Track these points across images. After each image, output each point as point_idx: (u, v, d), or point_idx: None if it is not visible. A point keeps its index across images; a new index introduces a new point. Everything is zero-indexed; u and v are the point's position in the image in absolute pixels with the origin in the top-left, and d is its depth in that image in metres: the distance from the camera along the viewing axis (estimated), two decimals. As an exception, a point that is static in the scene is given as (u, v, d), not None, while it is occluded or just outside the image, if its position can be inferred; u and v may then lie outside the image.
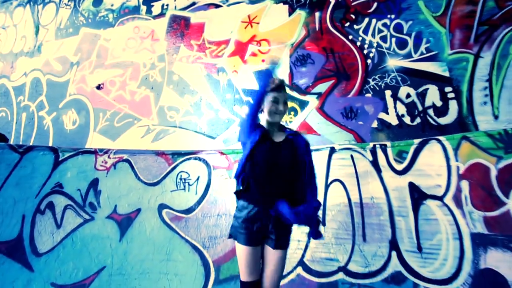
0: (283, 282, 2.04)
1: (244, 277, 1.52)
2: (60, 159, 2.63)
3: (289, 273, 2.10)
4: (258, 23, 3.32)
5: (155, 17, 3.81)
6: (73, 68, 4.05)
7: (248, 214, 1.54)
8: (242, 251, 1.53)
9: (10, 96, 4.35)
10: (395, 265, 2.01)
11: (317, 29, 3.09)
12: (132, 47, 3.83)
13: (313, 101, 2.97)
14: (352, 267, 2.06)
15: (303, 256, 2.18)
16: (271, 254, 1.54)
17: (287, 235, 1.61)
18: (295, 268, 2.11)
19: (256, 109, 1.61)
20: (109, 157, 2.78)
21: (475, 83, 2.60)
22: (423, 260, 1.99)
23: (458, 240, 1.99)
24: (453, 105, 2.62)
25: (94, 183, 2.65)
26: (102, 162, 2.75)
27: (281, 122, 1.76)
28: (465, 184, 2.15)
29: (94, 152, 2.78)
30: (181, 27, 3.65)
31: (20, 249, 2.16)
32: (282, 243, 1.56)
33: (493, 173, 2.09)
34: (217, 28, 3.47)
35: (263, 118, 1.70)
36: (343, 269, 2.07)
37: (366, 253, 2.12)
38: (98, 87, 3.87)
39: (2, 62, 4.52)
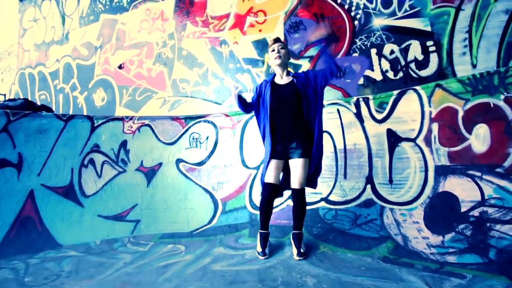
0: (275, 210, 2.51)
1: (266, 179, 2.02)
2: (95, 125, 3.21)
3: (280, 204, 2.57)
4: (254, -5, 3.60)
5: (163, -2, 4.19)
6: (97, 52, 4.60)
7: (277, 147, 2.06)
8: (270, 163, 2.02)
9: (47, 81, 5.03)
10: (368, 194, 2.40)
11: (308, -4, 3.33)
12: (146, 28, 4.28)
13: (305, 64, 3.29)
14: (332, 197, 2.48)
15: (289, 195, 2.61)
16: (296, 162, 2.02)
17: (304, 148, 2.05)
18: (285, 200, 2.57)
19: (242, 106, 2.19)
20: (133, 122, 3.33)
21: (456, 35, 2.77)
22: (391, 189, 2.36)
23: (423, 172, 2.33)
24: (433, 58, 2.83)
25: (124, 143, 3.22)
26: (129, 127, 3.30)
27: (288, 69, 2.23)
28: (435, 126, 2.43)
29: (122, 119, 3.33)
30: (186, 5, 4.02)
31: (72, 192, 2.79)
32: (303, 154, 2.03)
33: (460, 114, 2.35)
34: (218, 3, 3.81)
35: (274, 67, 2.19)
36: (325, 199, 2.50)
37: (345, 187, 2.53)
38: (120, 67, 4.40)
39: (37, 51, 5.18)
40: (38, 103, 3.56)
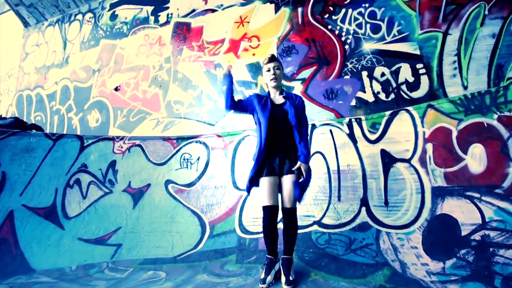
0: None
1: (264, 202, 1.90)
2: (85, 144, 3.15)
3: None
4: (248, 22, 3.74)
5: (161, 25, 4.36)
6: (95, 75, 4.68)
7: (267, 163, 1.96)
8: (264, 183, 1.92)
9: (44, 102, 5.06)
10: (363, 217, 2.27)
11: (300, 22, 3.45)
12: (143, 53, 4.39)
13: (298, 86, 3.31)
14: (325, 220, 2.35)
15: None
16: (286, 179, 1.92)
17: (291, 165, 1.95)
18: (277, 223, 2.43)
19: (228, 96, 2.05)
20: (124, 142, 3.28)
21: (445, 58, 2.83)
22: (387, 212, 2.24)
23: (420, 194, 2.23)
24: (424, 80, 2.85)
25: (113, 164, 3.14)
26: (119, 147, 3.25)
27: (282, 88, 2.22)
28: (429, 146, 2.38)
29: (112, 139, 3.29)
30: (183, 31, 4.16)
31: (54, 213, 2.66)
32: (289, 170, 1.93)
33: (454, 134, 2.31)
34: (214, 29, 3.94)
35: (268, 86, 2.15)
36: (318, 222, 2.36)
37: (339, 210, 2.41)
38: (116, 89, 4.45)
39: (37, 74, 5.28)
40: (33, 123, 3.53)
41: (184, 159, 3.22)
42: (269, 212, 1.87)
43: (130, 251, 2.43)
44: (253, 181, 1.98)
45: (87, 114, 4.57)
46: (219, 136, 3.26)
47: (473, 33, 2.76)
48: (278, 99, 2.11)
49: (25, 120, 4.67)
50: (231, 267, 2.02)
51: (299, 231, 2.29)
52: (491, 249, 1.62)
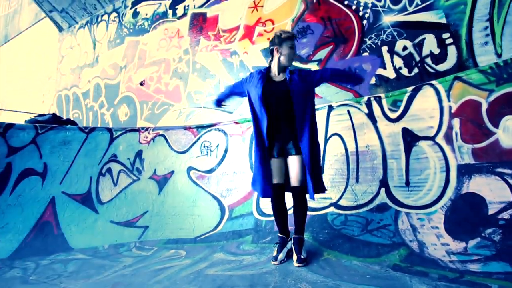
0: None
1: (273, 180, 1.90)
2: (114, 136, 3.39)
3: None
4: (262, 6, 3.68)
5: (179, 18, 4.46)
6: (122, 71, 4.96)
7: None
8: (271, 163, 1.91)
9: (80, 101, 5.50)
10: (382, 198, 2.19)
11: (314, 1, 3.32)
12: (164, 46, 4.55)
13: (314, 67, 3.22)
14: (342, 202, 2.31)
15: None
16: (293, 160, 1.88)
17: (296, 146, 1.90)
18: (290, 208, 2.44)
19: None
20: (149, 133, 3.46)
21: (475, 24, 2.56)
22: (408, 192, 2.14)
23: (445, 172, 2.09)
24: (452, 51, 2.62)
25: (139, 153, 3.35)
26: (144, 137, 3.44)
27: None
28: (456, 122, 2.20)
29: (138, 130, 3.49)
30: (200, 22, 4.22)
31: (89, 199, 2.93)
32: (299, 151, 1.88)
33: (484, 107, 2.11)
34: (229, 17, 3.94)
35: (278, 61, 1.98)
36: (334, 204, 2.33)
37: (357, 191, 2.35)
38: (141, 84, 4.68)
39: (72, 75, 5.72)
40: (68, 118, 3.88)
41: (204, 146, 3.33)
42: (276, 190, 1.88)
43: (155, 232, 2.61)
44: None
45: (117, 109, 4.88)
46: (236, 123, 3.30)
47: (509, -7, 2.46)
48: (281, 76, 1.97)
49: (64, 117, 5.13)
50: (247, 247, 2.09)
51: (314, 212, 2.29)
52: (520, 228, 1.48)
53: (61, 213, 2.73)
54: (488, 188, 1.84)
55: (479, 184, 1.90)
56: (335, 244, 1.89)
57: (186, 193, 3.02)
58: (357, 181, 2.43)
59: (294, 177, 1.88)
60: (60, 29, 5.91)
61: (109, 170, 3.21)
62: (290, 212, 2.01)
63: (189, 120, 4.05)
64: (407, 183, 2.22)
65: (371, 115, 2.60)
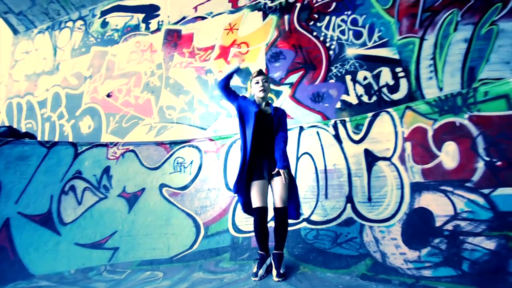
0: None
1: (255, 204, 2.01)
2: (78, 151, 3.21)
3: (263, 226, 2.55)
4: (237, 29, 3.87)
5: (152, 32, 4.45)
6: (86, 81, 4.72)
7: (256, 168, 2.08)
8: (254, 187, 2.03)
9: (34, 110, 5.07)
10: (348, 213, 2.42)
11: (286, 29, 3.61)
12: (135, 59, 4.47)
13: (286, 90, 3.46)
14: (314, 217, 2.49)
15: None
16: (277, 181, 2.04)
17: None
18: (268, 222, 2.56)
19: (228, 78, 2.23)
20: (118, 148, 3.35)
21: (422, 62, 3.02)
22: (370, 207, 2.40)
23: (400, 189, 2.39)
24: (403, 83, 3.04)
25: (107, 169, 3.20)
26: (113, 152, 3.32)
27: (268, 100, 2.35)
28: (408, 145, 2.54)
29: (106, 145, 3.35)
30: (174, 38, 4.26)
31: (50, 220, 2.71)
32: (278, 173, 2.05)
33: (430, 133, 2.48)
34: (204, 36, 4.06)
35: (255, 97, 2.25)
36: (307, 219, 2.50)
37: (327, 207, 2.55)
38: (108, 95, 4.51)
39: (27, 81, 5.27)
40: (26, 132, 3.56)
41: (177, 163, 3.32)
42: (260, 213, 1.98)
43: (127, 254, 2.51)
44: (240, 187, 2.07)
45: (79, 120, 4.61)
46: (211, 140, 3.37)
47: (447, 38, 2.96)
48: (266, 109, 2.24)
49: (15, 127, 4.68)
50: (225, 264, 2.13)
51: (289, 228, 2.41)
52: (461, 237, 1.78)
53: (17, 236, 2.49)
54: (435, 203, 2.16)
55: (427, 200, 2.21)
56: (309, 258, 2.03)
57: (159, 211, 2.96)
58: (326, 197, 2.64)
59: (279, 198, 2.01)
60: (15, 32, 5.46)
61: (73, 188, 3.02)
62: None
63: (161, 136, 4.00)
64: (369, 199, 2.48)
65: (337, 137, 2.87)
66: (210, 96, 3.84)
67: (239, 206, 2.86)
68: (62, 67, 5.01)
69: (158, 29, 4.41)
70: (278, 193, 2.03)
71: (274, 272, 1.88)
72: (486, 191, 1.93)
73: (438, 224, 1.97)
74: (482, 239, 1.70)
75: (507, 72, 2.66)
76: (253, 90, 2.26)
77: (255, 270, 1.91)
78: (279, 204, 2.01)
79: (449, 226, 1.90)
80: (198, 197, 3.05)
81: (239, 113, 2.18)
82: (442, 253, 1.75)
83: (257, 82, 2.21)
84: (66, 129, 4.70)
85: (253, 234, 2.51)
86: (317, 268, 1.90)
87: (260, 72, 2.25)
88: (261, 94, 2.20)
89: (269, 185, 2.12)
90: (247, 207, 2.12)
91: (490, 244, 1.66)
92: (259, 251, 2.00)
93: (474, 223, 1.83)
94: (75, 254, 2.48)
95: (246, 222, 2.64)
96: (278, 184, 2.04)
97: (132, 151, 3.35)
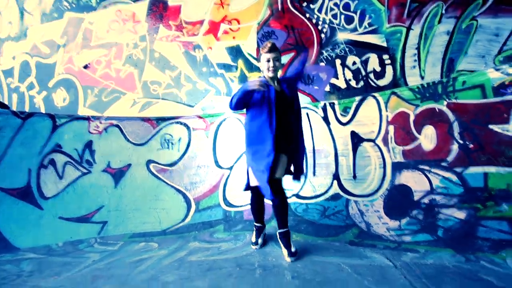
0: (246, 207, 2.57)
1: (253, 183, 1.95)
2: (57, 124, 3.03)
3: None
4: (228, 5, 3.76)
5: (135, 0, 4.17)
6: (59, 50, 4.36)
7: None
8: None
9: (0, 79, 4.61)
10: (335, 189, 2.58)
11: (279, 9, 3.57)
12: (115, 29, 4.19)
13: (276, 70, 3.48)
14: (302, 193, 2.62)
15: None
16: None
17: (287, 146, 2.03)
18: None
19: (240, 102, 1.98)
20: (100, 122, 3.20)
21: (407, 51, 3.17)
22: (355, 184, 2.57)
23: (383, 168, 2.58)
24: (389, 70, 3.19)
25: (89, 144, 3.07)
26: (95, 126, 3.17)
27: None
28: (391, 128, 2.72)
29: (87, 118, 3.19)
30: (160, 9, 4.04)
31: (29, 194, 2.57)
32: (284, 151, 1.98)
33: (412, 118, 2.67)
34: (193, 9, 3.89)
35: (265, 75, 2.07)
36: (296, 195, 2.62)
37: (315, 184, 2.69)
38: (85, 67, 4.22)
39: (-11, 47, 4.75)
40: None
41: (165, 139, 3.26)
42: (258, 192, 1.96)
43: (117, 227, 2.48)
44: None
45: (52, 92, 4.28)
46: (200, 117, 3.34)
47: (432, 29, 3.13)
48: (277, 86, 2.10)
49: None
50: (220, 235, 2.20)
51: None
52: (436, 209, 2.00)
53: (-6, 209, 2.35)
54: (414, 180, 2.38)
55: (407, 177, 2.42)
56: (300, 228, 2.16)
57: (147, 187, 2.92)
58: (314, 174, 2.78)
59: (276, 170, 1.93)
60: (-28, -12, 4.82)
61: (53, 162, 2.87)
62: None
63: (145, 111, 3.86)
64: (354, 176, 2.65)
65: (326, 118, 2.99)
66: (198, 72, 3.75)
67: (229, 182, 2.92)
68: (31, 33, 4.56)
69: (142, -2, 4.14)
70: (275, 168, 1.91)
71: (284, 251, 1.78)
72: (459, 169, 2.16)
73: (416, 198, 2.19)
74: (454, 210, 1.93)
75: (481, 65, 2.90)
76: (262, 66, 2.06)
77: (254, 239, 1.98)
78: (275, 176, 1.90)
79: (426, 200, 2.12)
80: (188, 174, 3.05)
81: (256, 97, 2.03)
82: (420, 222, 1.96)
83: (268, 60, 2.00)
84: (38, 101, 4.36)
85: (245, 207, 2.60)
86: (308, 237, 2.04)
87: (272, 49, 2.00)
88: (270, 74, 2.02)
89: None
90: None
91: (461, 214, 1.89)
92: (255, 223, 2.07)
93: (448, 197, 2.05)
94: (60, 227, 2.40)
95: (237, 198, 2.71)
96: (279, 160, 1.93)
97: (116, 126, 3.23)
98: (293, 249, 1.78)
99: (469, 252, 1.58)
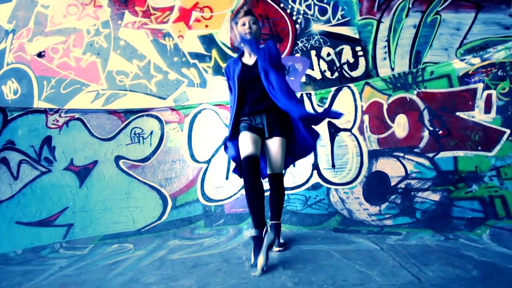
0: (230, 200, 2.49)
1: (243, 153, 1.64)
2: (9, 118, 2.68)
3: (234, 194, 2.56)
4: (200, -9, 3.59)
5: (96, -17, 3.81)
6: (8, 37, 3.86)
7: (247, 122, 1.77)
8: (243, 136, 1.70)
9: None
10: (315, 179, 2.59)
11: (253, -3, 3.49)
12: (74, 14, 3.80)
13: (252, 61, 3.40)
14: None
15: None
16: (272, 142, 1.74)
17: (279, 127, 1.79)
18: (239, 190, 2.58)
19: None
20: (60, 116, 2.90)
21: (378, 43, 3.27)
22: (335, 173, 2.61)
23: (359, 156, 2.64)
24: (362, 61, 3.27)
25: (47, 140, 2.77)
26: (54, 120, 2.86)
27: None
28: (366, 118, 2.80)
29: (44, 111, 2.87)
30: (124, -7, 3.73)
31: (-23, 198, 2.25)
32: (276, 132, 1.76)
33: (385, 107, 2.76)
34: (161, -5, 3.65)
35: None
36: (277, 186, 2.59)
37: (295, 174, 2.68)
38: (40, 55, 3.78)
39: None
40: None
41: (135, 133, 3.05)
42: (251, 163, 1.59)
43: (84, 230, 2.26)
44: (230, 144, 1.79)
45: (1, 84, 3.79)
46: (173, 109, 3.16)
47: (400, 22, 3.26)
48: (253, 57, 1.86)
49: None
50: (201, 231, 2.10)
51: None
52: (412, 193, 2.09)
53: None
54: (389, 167, 2.47)
55: (383, 164, 2.51)
56: (284, 219, 2.14)
57: (117, 185, 2.70)
58: (294, 165, 2.77)
59: (275, 163, 1.75)
60: None
61: (5, 161, 2.54)
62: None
63: (111, 104, 3.56)
64: (333, 165, 2.69)
65: (303, 109, 2.98)
66: (169, 63, 3.54)
67: (207, 176, 2.81)
68: (-30, 15, 3.98)
69: (103, -19, 3.80)
70: (275, 156, 1.73)
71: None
72: (430, 155, 2.28)
73: (393, 183, 2.27)
74: (429, 193, 2.03)
75: (445, 57, 3.08)
76: (238, 32, 1.85)
77: (253, 260, 1.42)
78: (276, 170, 1.75)
79: (402, 185, 2.21)
80: (162, 169, 2.88)
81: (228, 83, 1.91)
82: (398, 206, 2.04)
83: (244, 24, 1.81)
84: (-19, 94, 3.83)
85: (225, 202, 2.52)
86: (293, 226, 2.02)
87: (247, 12, 1.87)
88: (248, 37, 1.79)
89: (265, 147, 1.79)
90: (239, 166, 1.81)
91: (436, 197, 2.00)
92: (253, 236, 1.52)
93: (422, 181, 2.16)
94: (18, 233, 2.13)
95: (217, 191, 2.62)
96: (276, 145, 1.73)
97: (79, 119, 2.96)
98: (281, 240, 1.72)
99: (447, 231, 1.67)
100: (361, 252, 1.42)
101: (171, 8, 3.62)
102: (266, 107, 1.77)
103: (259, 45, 1.85)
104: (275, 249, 1.68)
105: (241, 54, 1.99)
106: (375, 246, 1.52)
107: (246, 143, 1.67)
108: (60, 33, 3.79)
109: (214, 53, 3.49)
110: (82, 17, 3.78)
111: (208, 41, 3.52)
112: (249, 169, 1.60)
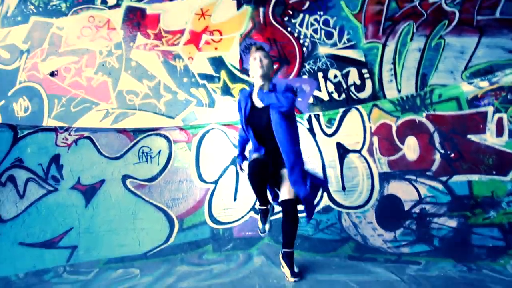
0: (239, 222, 2.43)
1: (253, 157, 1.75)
2: (19, 136, 2.70)
3: (242, 217, 2.50)
4: (210, 16, 3.71)
5: (110, 7, 3.96)
6: (23, 56, 3.98)
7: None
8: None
9: None
10: (325, 201, 2.54)
11: (261, 22, 3.60)
12: (87, 35, 3.93)
13: (260, 82, 3.45)
14: (293, 206, 2.54)
15: (254, 203, 2.60)
16: (285, 172, 1.80)
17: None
18: (247, 212, 2.52)
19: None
20: (69, 134, 2.91)
21: (384, 65, 3.33)
22: (345, 195, 2.56)
23: (370, 179, 2.60)
24: (368, 83, 3.31)
25: (56, 158, 2.76)
26: (63, 139, 2.87)
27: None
28: (375, 139, 2.78)
29: (54, 129, 2.89)
30: (137, 17, 3.87)
31: (-18, 217, 2.22)
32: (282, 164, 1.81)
33: (394, 129, 2.76)
34: (173, 19, 3.78)
35: (254, 80, 1.94)
36: (286, 208, 2.54)
37: (304, 196, 2.63)
38: (52, 74, 3.87)
39: None
40: None
41: (142, 152, 3.04)
42: (258, 162, 1.70)
43: (89, 252, 2.20)
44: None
45: (13, 102, 3.85)
46: (181, 129, 3.17)
47: (405, 46, 3.33)
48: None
49: None
50: (210, 256, 2.03)
51: (271, 218, 2.42)
52: (427, 218, 2.03)
53: None
54: (401, 190, 2.42)
55: (395, 187, 2.46)
56: (295, 244, 2.06)
57: (123, 205, 2.66)
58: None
59: (288, 189, 1.79)
60: None
61: (12, 179, 2.53)
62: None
63: (120, 123, 3.59)
64: (343, 188, 2.64)
65: (311, 130, 2.99)
66: (179, 83, 3.60)
67: (215, 197, 2.76)
68: (-12, 36, 4.12)
69: (117, 5, 3.95)
70: (286, 184, 1.78)
71: (287, 271, 1.66)
72: (443, 178, 2.23)
73: (406, 208, 2.21)
74: (446, 219, 1.97)
75: (451, 80, 3.12)
76: (252, 69, 1.93)
77: (260, 226, 1.89)
78: (288, 196, 1.77)
79: (416, 209, 2.15)
80: (169, 189, 2.84)
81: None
82: (414, 233, 1.97)
83: (255, 59, 1.87)
84: (-8, 111, 3.89)
85: (234, 224, 2.46)
86: (305, 253, 1.95)
87: (259, 48, 1.96)
88: (260, 72, 1.85)
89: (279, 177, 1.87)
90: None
91: (452, 223, 1.93)
92: (259, 207, 1.91)
93: (437, 206, 2.10)
94: (21, 255, 2.07)
95: (225, 213, 2.56)
96: (286, 174, 1.78)
97: (88, 138, 2.96)
98: (296, 270, 1.67)
99: (468, 260, 1.60)
100: (382, 284, 1.35)
101: (182, 31, 3.73)
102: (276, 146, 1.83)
103: (271, 83, 1.93)
104: (291, 279, 1.63)
105: (252, 89, 2.00)
106: (395, 277, 1.45)
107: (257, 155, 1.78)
108: (74, 53, 3.90)
109: (223, 74, 3.56)
110: (96, 38, 3.91)
111: (218, 62, 3.60)
112: (256, 166, 1.71)
